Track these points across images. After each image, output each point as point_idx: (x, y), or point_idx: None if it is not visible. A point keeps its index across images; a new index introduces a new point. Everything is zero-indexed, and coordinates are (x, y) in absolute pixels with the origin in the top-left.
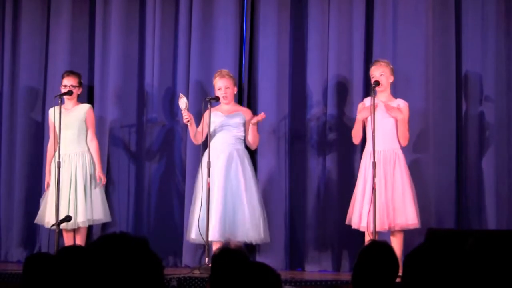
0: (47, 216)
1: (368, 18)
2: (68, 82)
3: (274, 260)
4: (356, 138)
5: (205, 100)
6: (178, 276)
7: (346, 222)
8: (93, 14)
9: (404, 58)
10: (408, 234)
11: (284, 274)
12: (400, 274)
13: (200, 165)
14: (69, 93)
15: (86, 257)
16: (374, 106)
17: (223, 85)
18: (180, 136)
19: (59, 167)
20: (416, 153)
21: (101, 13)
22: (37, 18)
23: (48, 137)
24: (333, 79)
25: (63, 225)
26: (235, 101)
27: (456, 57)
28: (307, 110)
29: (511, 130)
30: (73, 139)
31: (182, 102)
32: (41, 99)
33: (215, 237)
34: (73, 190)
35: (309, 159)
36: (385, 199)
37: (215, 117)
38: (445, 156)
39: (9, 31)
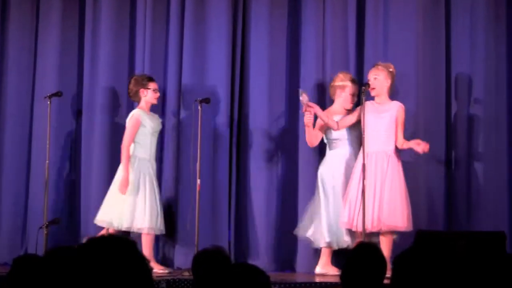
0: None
1: (359, 21)
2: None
3: (264, 261)
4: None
5: (195, 101)
6: (167, 278)
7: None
8: (82, 14)
9: (395, 60)
10: (399, 236)
11: (274, 276)
12: (388, 275)
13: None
14: (58, 94)
15: (74, 259)
16: (364, 109)
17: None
18: (172, 138)
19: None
20: (405, 154)
21: (91, 13)
22: (26, 17)
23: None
24: (327, 80)
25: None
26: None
27: (446, 59)
28: (299, 113)
29: (499, 131)
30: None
31: (304, 96)
32: (30, 99)
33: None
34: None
35: (300, 160)
36: (373, 200)
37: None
38: (435, 157)
39: None
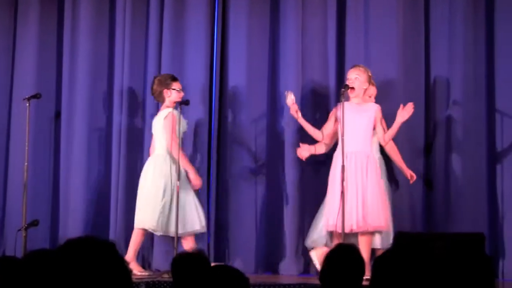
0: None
1: (340, 23)
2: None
3: (243, 264)
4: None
5: (174, 103)
6: (146, 280)
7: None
8: (61, 15)
9: (376, 63)
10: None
11: (254, 278)
12: (366, 276)
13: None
14: (37, 96)
15: (54, 261)
16: (343, 110)
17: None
18: (149, 140)
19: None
20: (384, 157)
21: (69, 14)
22: (4, 18)
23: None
24: (306, 83)
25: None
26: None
27: (425, 62)
28: (279, 113)
29: (478, 133)
30: (155, 145)
31: (289, 98)
32: (8, 101)
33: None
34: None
35: (281, 161)
36: (356, 200)
37: None
38: (414, 159)
39: None
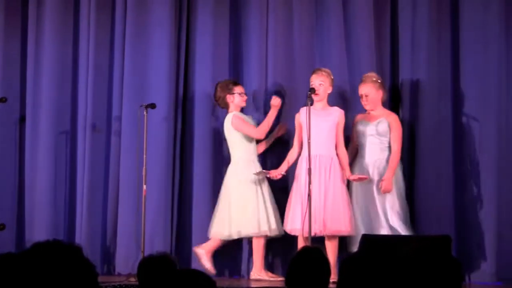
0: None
1: (310, 27)
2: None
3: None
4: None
5: (140, 107)
6: (113, 284)
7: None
8: (25, 23)
9: (347, 68)
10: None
11: (220, 282)
12: (333, 279)
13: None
14: (3, 100)
15: (20, 265)
16: (309, 114)
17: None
18: (115, 144)
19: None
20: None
21: (33, 22)
22: None
23: None
24: (272, 88)
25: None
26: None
27: (391, 66)
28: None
29: (444, 136)
30: (231, 153)
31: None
32: None
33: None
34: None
35: None
36: (319, 203)
37: None
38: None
39: None
